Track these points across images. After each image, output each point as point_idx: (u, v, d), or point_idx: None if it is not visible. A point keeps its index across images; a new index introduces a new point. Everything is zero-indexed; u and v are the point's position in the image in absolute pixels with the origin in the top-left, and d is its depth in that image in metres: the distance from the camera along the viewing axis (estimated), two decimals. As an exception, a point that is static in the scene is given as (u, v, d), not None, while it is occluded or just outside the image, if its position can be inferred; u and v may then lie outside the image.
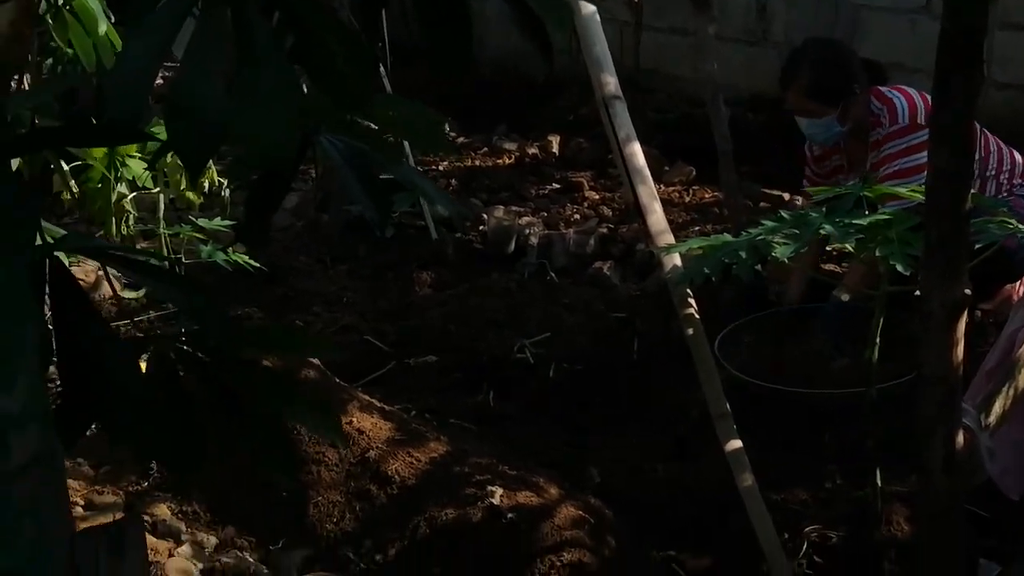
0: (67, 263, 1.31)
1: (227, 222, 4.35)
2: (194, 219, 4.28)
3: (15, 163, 2.07)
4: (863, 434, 2.98)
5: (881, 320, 2.78)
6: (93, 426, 1.40)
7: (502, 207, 5.72)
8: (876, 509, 2.93)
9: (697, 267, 2.85)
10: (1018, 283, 4.20)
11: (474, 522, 2.89)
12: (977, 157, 3.97)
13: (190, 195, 4.28)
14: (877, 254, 2.66)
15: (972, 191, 2.03)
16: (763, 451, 3.20)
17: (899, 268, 2.59)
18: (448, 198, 1.96)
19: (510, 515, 2.89)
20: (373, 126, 1.81)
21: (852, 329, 3.71)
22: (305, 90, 1.48)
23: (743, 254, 2.81)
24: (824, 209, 2.81)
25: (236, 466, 2.97)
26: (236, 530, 2.99)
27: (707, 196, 5.86)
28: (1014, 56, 5.57)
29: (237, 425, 1.42)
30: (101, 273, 4.10)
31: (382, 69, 4.78)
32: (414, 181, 1.78)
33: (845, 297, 3.90)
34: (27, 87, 2.15)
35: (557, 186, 6.19)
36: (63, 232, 1.72)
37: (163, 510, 2.99)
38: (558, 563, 2.81)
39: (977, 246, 2.56)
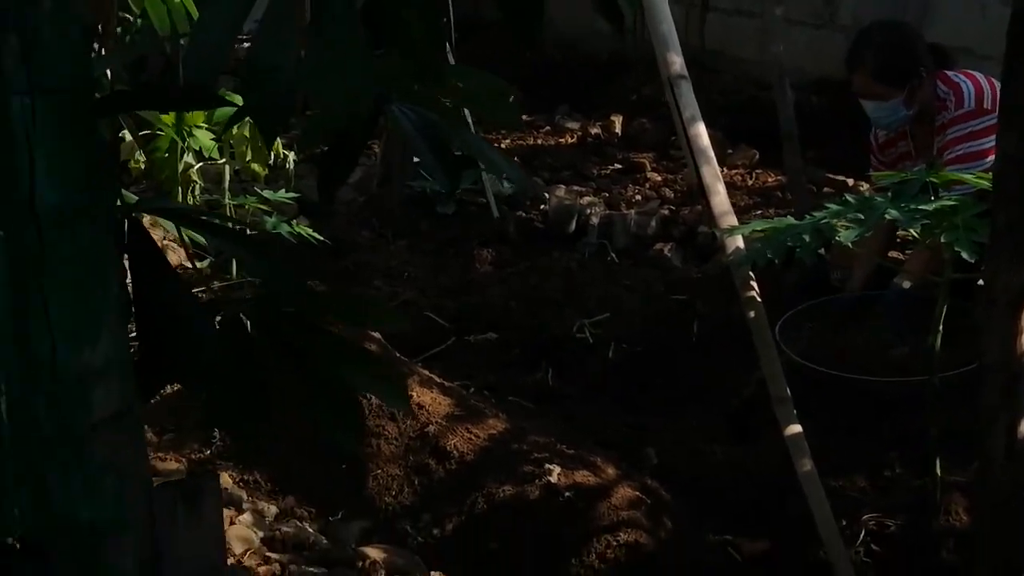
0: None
1: (291, 194, 4.38)
2: (259, 191, 4.32)
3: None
4: (924, 422, 2.96)
5: (944, 308, 2.76)
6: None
7: (563, 186, 5.72)
8: (936, 498, 2.92)
9: (760, 250, 2.84)
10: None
11: (531, 499, 2.90)
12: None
13: (255, 167, 4.31)
14: (942, 240, 2.64)
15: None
16: (822, 437, 3.18)
17: (964, 255, 2.57)
18: (516, 168, 1.96)
19: (567, 494, 2.90)
20: (442, 98, 1.81)
21: (914, 317, 3.67)
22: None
23: (807, 237, 2.80)
24: (890, 194, 2.78)
25: (297, 437, 3.00)
26: (296, 500, 3.02)
27: (770, 180, 5.82)
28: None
29: (305, 389, 1.43)
30: (167, 242, 4.14)
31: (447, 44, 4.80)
32: (483, 151, 1.78)
33: (907, 284, 3.87)
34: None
35: (619, 166, 6.17)
36: (135, 198, 1.74)
37: (225, 478, 3.02)
38: (614, 543, 2.82)
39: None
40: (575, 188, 5.73)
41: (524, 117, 7.00)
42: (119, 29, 2.94)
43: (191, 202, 4.07)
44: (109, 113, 1.44)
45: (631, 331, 4.21)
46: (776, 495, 3.11)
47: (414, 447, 3.08)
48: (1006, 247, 2.03)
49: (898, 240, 4.67)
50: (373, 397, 2.94)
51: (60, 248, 0.97)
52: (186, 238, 2.62)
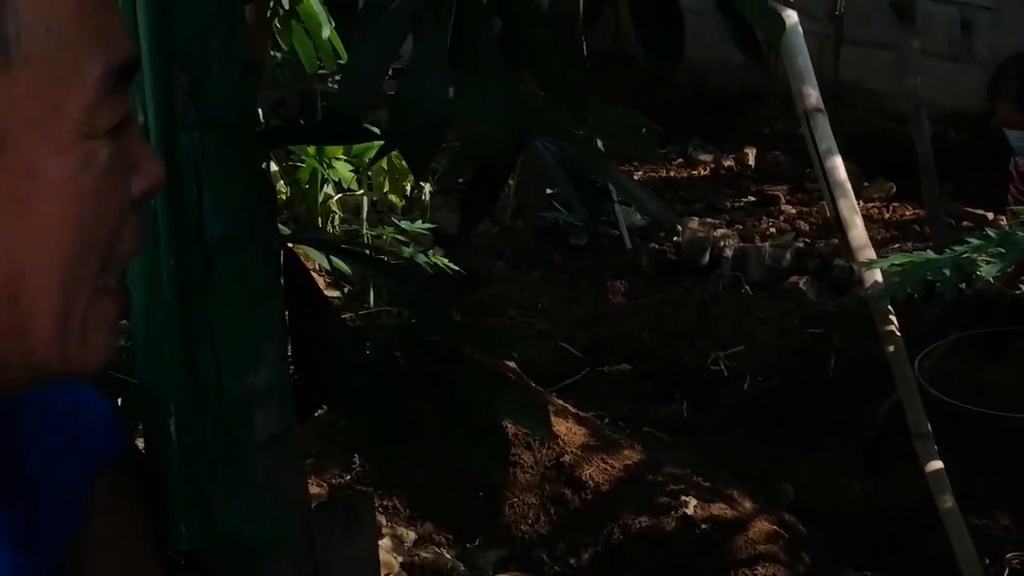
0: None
1: (427, 225, 4.45)
2: (396, 221, 4.39)
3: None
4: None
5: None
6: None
7: (696, 218, 5.71)
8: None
9: (899, 284, 2.81)
10: None
11: (668, 531, 2.90)
12: None
13: (392, 198, 4.39)
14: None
15: None
16: (963, 474, 3.12)
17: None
18: (655, 199, 1.96)
19: (704, 526, 2.89)
20: (581, 131, 1.83)
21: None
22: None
23: (947, 272, 2.76)
24: (1033, 227, 2.73)
25: (435, 464, 3.03)
26: (434, 526, 3.06)
27: (907, 213, 5.74)
28: None
29: (447, 416, 1.46)
30: (306, 272, 4.22)
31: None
32: (622, 183, 1.80)
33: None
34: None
35: (753, 199, 6.13)
36: (288, 230, 1.80)
37: (364, 504, 3.07)
38: (751, 576, 2.80)
39: None
40: (708, 220, 5.71)
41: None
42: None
43: (331, 231, 4.15)
44: (271, 147, 1.48)
45: (766, 364, 4.19)
46: (915, 531, 3.06)
47: (550, 476, 3.10)
48: None
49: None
50: (509, 425, 2.97)
51: (226, 275, 1.01)
52: (322, 266, 2.67)
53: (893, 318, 2.87)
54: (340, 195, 4.26)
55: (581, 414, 3.41)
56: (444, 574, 2.83)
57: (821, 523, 3.15)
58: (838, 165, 2.96)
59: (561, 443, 3.17)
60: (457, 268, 4.32)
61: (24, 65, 0.70)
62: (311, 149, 3.93)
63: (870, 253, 2.94)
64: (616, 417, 3.82)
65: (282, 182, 4.19)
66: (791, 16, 2.94)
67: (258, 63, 1.38)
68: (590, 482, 3.06)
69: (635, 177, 6.53)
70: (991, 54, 6.25)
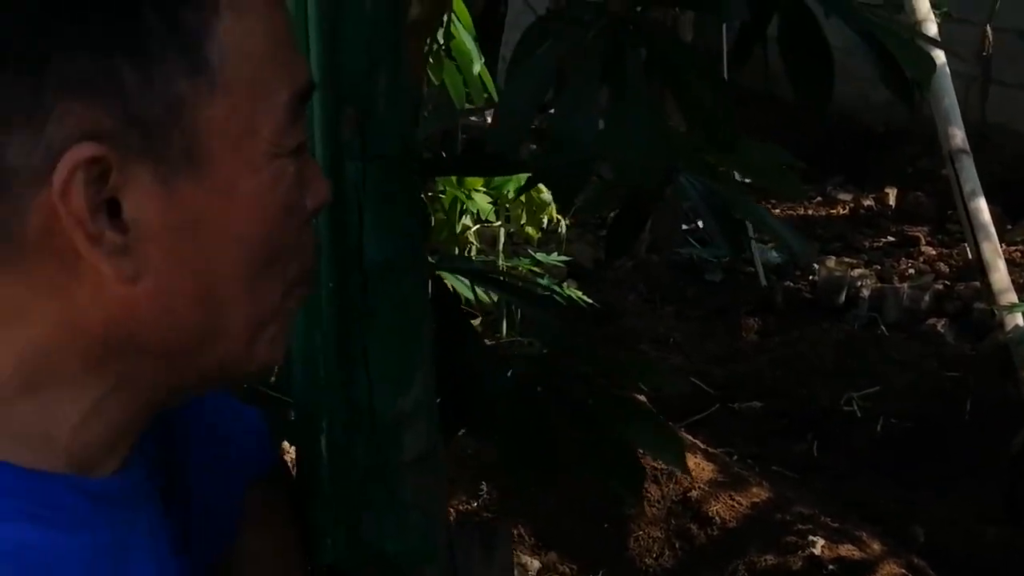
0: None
1: (563, 257, 4.48)
2: (532, 253, 4.43)
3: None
4: None
5: None
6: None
7: (834, 257, 5.66)
8: None
9: (1043, 328, 2.77)
10: None
11: (794, 570, 2.88)
12: None
13: (529, 230, 4.43)
14: None
15: None
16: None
17: None
18: (800, 237, 1.97)
19: (831, 567, 2.87)
20: (725, 168, 1.85)
21: None
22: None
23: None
24: None
25: (563, 493, 3.06)
26: (558, 556, 3.08)
27: (1051, 258, 5.62)
28: None
29: (584, 444, 1.49)
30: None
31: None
32: (765, 220, 1.81)
33: None
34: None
35: (892, 239, 6.05)
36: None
37: (490, 530, 3.10)
38: (879, 619, 2.78)
39: None
40: (845, 260, 5.65)
41: (798, 187, 6.95)
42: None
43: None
44: (429, 177, 1.53)
45: (901, 405, 4.13)
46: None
47: (676, 511, 3.11)
48: None
49: None
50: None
51: (382, 299, 1.06)
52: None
53: (1034, 364, 2.83)
54: (477, 226, 4.32)
55: (710, 450, 3.41)
56: (570, 603, 2.86)
57: (954, 568, 3.11)
58: (982, 207, 2.94)
59: (689, 478, 3.17)
60: (591, 301, 4.34)
61: (225, 90, 0.77)
62: (453, 179, 3.99)
63: (1012, 297, 2.91)
64: (745, 455, 3.80)
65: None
66: (939, 56, 2.93)
67: (420, 98, 1.42)
68: (717, 518, 3.06)
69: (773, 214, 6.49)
70: None
